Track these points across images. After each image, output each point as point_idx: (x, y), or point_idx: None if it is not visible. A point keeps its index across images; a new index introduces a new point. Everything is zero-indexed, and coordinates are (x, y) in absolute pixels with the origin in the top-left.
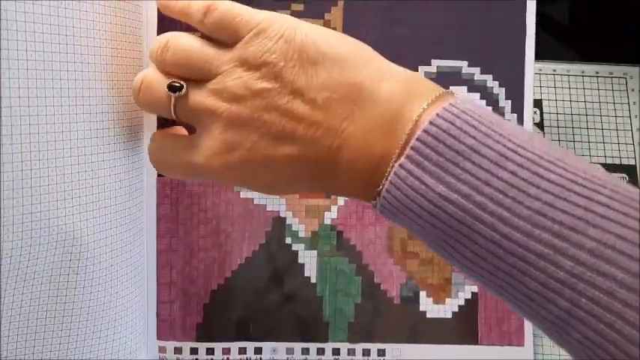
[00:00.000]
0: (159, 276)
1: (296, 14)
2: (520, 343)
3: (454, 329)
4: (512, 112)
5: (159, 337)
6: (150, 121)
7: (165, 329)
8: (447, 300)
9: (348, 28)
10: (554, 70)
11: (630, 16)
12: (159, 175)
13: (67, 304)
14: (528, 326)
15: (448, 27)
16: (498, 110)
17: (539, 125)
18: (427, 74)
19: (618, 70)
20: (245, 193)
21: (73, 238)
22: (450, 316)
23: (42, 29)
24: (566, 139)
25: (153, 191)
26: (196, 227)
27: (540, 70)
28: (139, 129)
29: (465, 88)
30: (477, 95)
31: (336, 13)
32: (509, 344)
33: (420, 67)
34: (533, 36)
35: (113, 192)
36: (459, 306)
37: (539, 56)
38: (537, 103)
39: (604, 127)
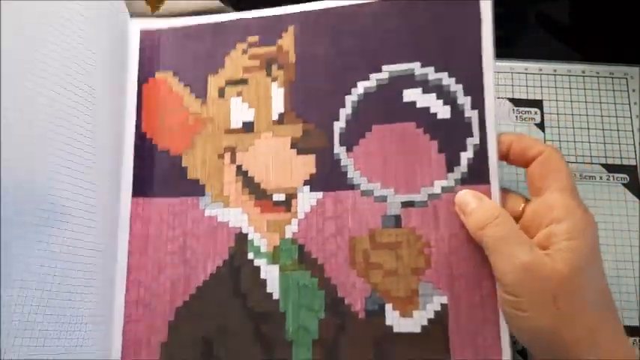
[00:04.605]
0: (127, 294)
1: (253, 45)
2: (497, 357)
3: (424, 344)
4: (472, 109)
5: (123, 358)
6: (128, 143)
7: (129, 349)
8: (415, 313)
9: (301, 50)
10: (555, 70)
11: (631, 16)
12: (134, 196)
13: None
14: (505, 339)
15: (397, 30)
16: (457, 109)
17: (540, 126)
18: (379, 81)
19: (619, 70)
20: (210, 211)
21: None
22: (419, 330)
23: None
24: (567, 139)
25: (127, 212)
26: (164, 244)
27: (541, 70)
28: (119, 150)
29: (419, 90)
30: (433, 96)
31: (288, 38)
32: (485, 359)
33: (371, 75)
34: (490, 23)
35: (87, 208)
36: (429, 319)
37: (539, 56)
38: (538, 103)
39: (604, 128)
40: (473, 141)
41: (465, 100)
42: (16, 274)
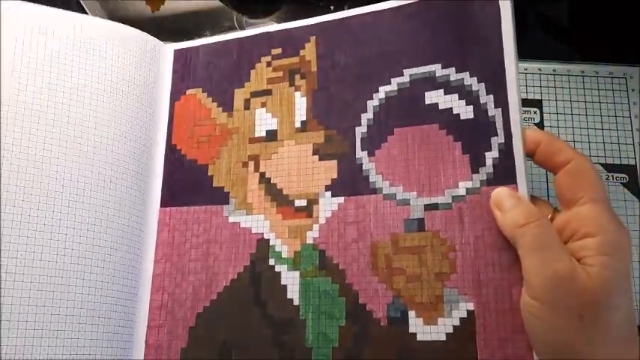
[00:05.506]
0: (152, 300)
1: (276, 57)
2: None
3: (450, 353)
4: (495, 107)
5: None
6: (158, 155)
7: (150, 354)
8: (440, 320)
9: (323, 59)
10: (554, 70)
11: (630, 17)
12: (162, 205)
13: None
14: None
15: (416, 34)
16: (480, 108)
17: (540, 125)
18: (400, 85)
19: (618, 70)
20: (233, 218)
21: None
22: (443, 338)
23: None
24: (566, 139)
25: (154, 220)
26: (188, 251)
27: (540, 70)
28: (149, 162)
29: (441, 91)
30: (456, 96)
31: (310, 48)
32: None
33: (392, 80)
34: (510, 20)
35: (116, 216)
36: (454, 326)
37: (538, 56)
38: (537, 103)
39: (604, 128)
40: (497, 140)
41: (487, 99)
42: (42, 278)
